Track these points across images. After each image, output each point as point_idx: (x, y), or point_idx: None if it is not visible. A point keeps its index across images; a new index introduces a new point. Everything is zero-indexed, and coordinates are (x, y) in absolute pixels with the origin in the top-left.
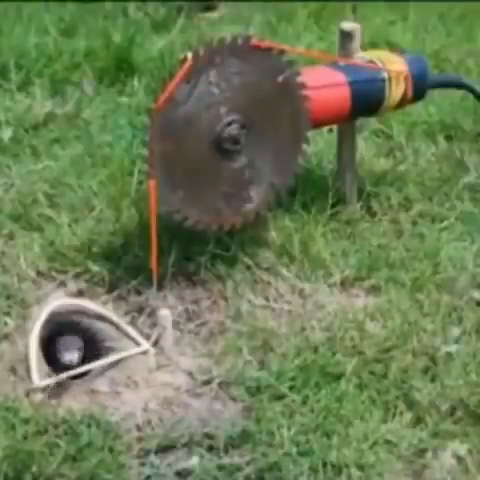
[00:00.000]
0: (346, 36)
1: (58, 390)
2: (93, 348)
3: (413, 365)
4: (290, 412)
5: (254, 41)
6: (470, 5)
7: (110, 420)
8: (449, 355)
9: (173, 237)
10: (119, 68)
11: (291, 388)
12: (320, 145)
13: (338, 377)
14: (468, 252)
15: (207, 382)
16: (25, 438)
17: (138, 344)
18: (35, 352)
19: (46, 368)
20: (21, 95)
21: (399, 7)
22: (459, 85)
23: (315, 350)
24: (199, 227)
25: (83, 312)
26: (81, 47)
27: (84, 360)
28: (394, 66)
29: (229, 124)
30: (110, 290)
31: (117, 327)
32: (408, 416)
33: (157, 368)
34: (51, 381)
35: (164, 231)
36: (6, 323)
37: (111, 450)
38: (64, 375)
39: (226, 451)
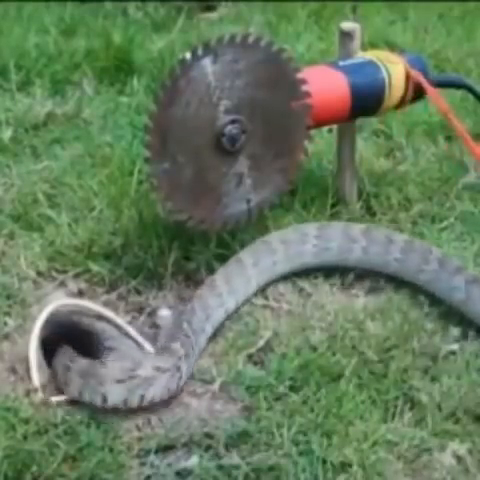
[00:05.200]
0: (346, 36)
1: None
2: (93, 348)
3: (413, 365)
4: (290, 412)
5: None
6: (470, 5)
7: (110, 420)
8: (450, 355)
9: (173, 237)
10: (119, 68)
11: (291, 388)
12: (320, 145)
13: (338, 377)
14: (468, 252)
15: (207, 382)
16: (25, 438)
17: (139, 344)
18: (35, 352)
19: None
20: (21, 95)
21: (399, 7)
22: (459, 85)
23: (315, 350)
24: (202, 227)
25: (83, 312)
26: (81, 47)
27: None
28: (394, 66)
29: (229, 124)
30: (110, 290)
31: (117, 327)
32: (408, 416)
33: None
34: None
35: (164, 231)
36: (6, 323)
37: (111, 450)
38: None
39: (226, 451)
